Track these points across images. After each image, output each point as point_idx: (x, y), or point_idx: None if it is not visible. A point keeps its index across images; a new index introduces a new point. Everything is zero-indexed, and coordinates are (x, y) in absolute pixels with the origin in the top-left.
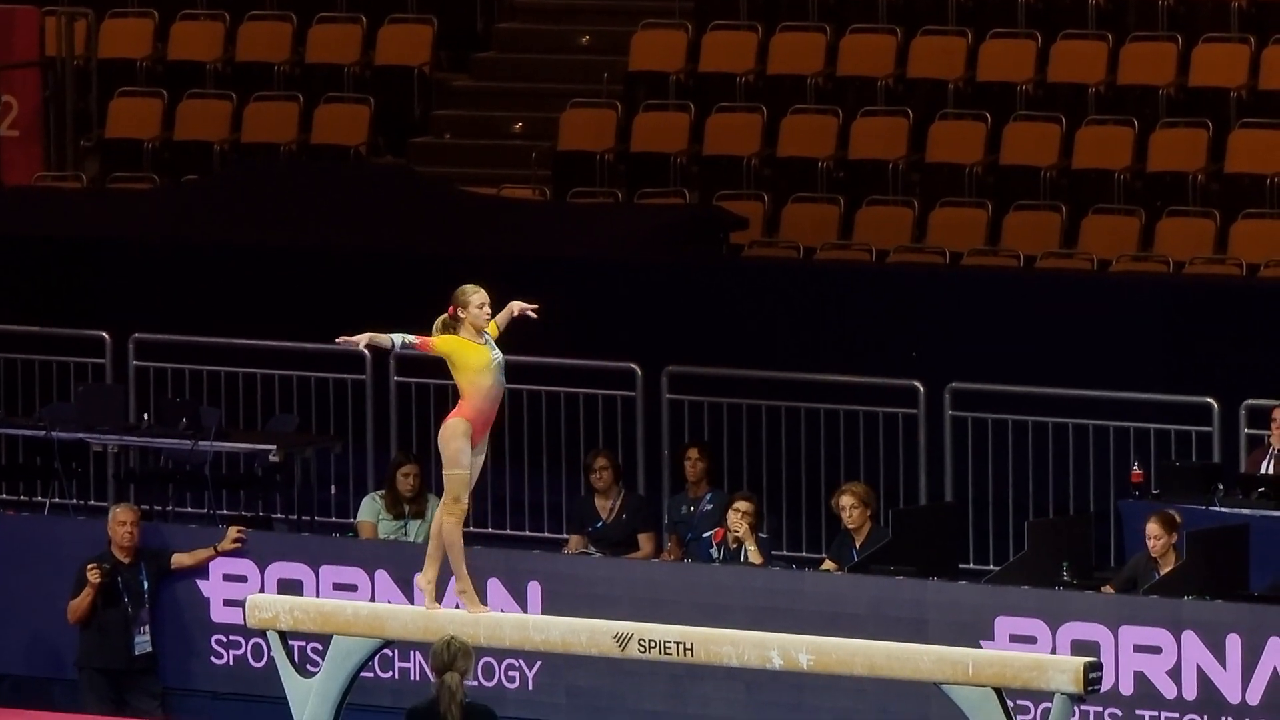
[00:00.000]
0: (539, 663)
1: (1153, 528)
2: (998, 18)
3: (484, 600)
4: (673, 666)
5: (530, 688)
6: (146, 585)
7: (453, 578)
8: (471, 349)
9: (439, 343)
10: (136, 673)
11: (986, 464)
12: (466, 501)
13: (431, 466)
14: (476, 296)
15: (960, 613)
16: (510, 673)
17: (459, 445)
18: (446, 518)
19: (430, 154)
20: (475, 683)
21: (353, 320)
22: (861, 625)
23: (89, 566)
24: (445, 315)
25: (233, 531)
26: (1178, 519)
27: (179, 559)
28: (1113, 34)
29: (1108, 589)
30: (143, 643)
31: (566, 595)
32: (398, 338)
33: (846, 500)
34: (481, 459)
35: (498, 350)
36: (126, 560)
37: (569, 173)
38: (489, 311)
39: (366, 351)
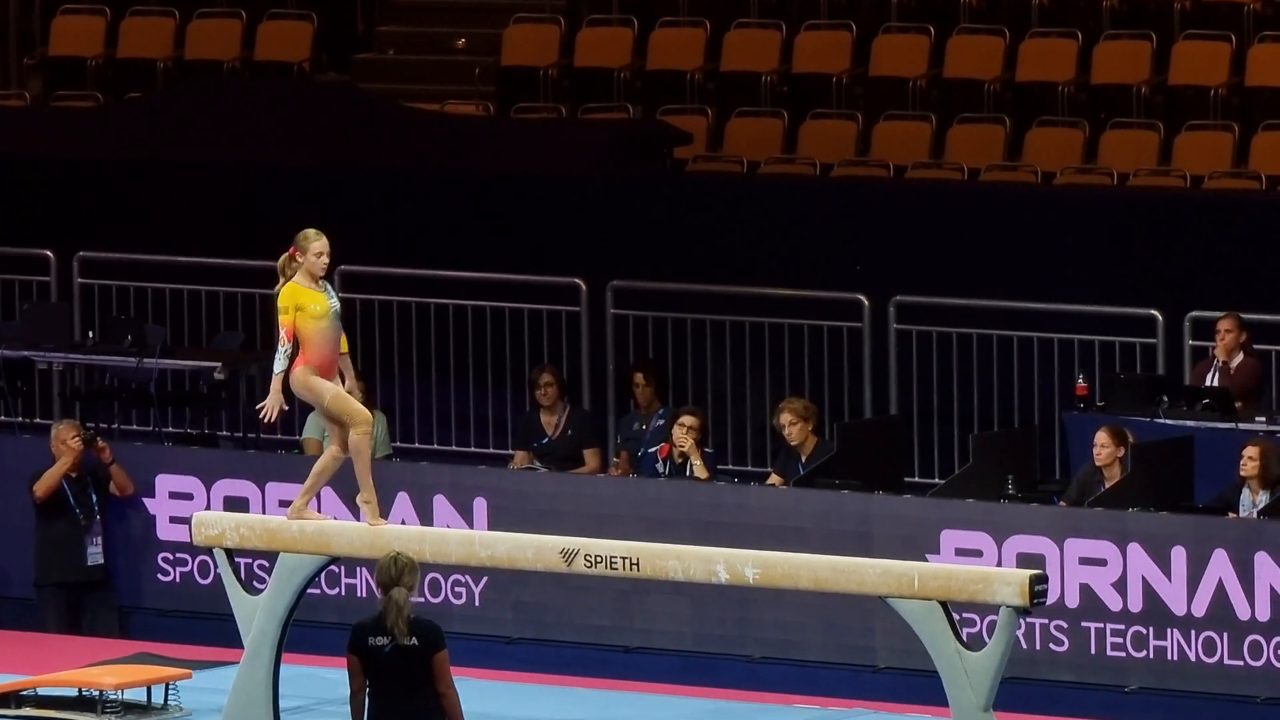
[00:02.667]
0: (485, 579)
1: (1102, 436)
2: None
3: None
4: (619, 581)
5: (477, 604)
6: (95, 498)
7: (360, 489)
8: (308, 296)
9: (282, 306)
10: (93, 585)
11: (931, 377)
12: (364, 407)
13: (377, 384)
14: (317, 244)
15: (905, 526)
16: (456, 589)
17: (312, 382)
18: (355, 430)
19: (373, 70)
20: (422, 599)
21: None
22: (807, 539)
23: (65, 428)
24: (286, 255)
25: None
26: (1130, 437)
27: (115, 482)
28: None
29: (1063, 504)
30: (95, 554)
31: (512, 511)
32: (278, 365)
33: (785, 418)
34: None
35: (335, 298)
36: (73, 474)
37: (512, 88)
38: (327, 260)
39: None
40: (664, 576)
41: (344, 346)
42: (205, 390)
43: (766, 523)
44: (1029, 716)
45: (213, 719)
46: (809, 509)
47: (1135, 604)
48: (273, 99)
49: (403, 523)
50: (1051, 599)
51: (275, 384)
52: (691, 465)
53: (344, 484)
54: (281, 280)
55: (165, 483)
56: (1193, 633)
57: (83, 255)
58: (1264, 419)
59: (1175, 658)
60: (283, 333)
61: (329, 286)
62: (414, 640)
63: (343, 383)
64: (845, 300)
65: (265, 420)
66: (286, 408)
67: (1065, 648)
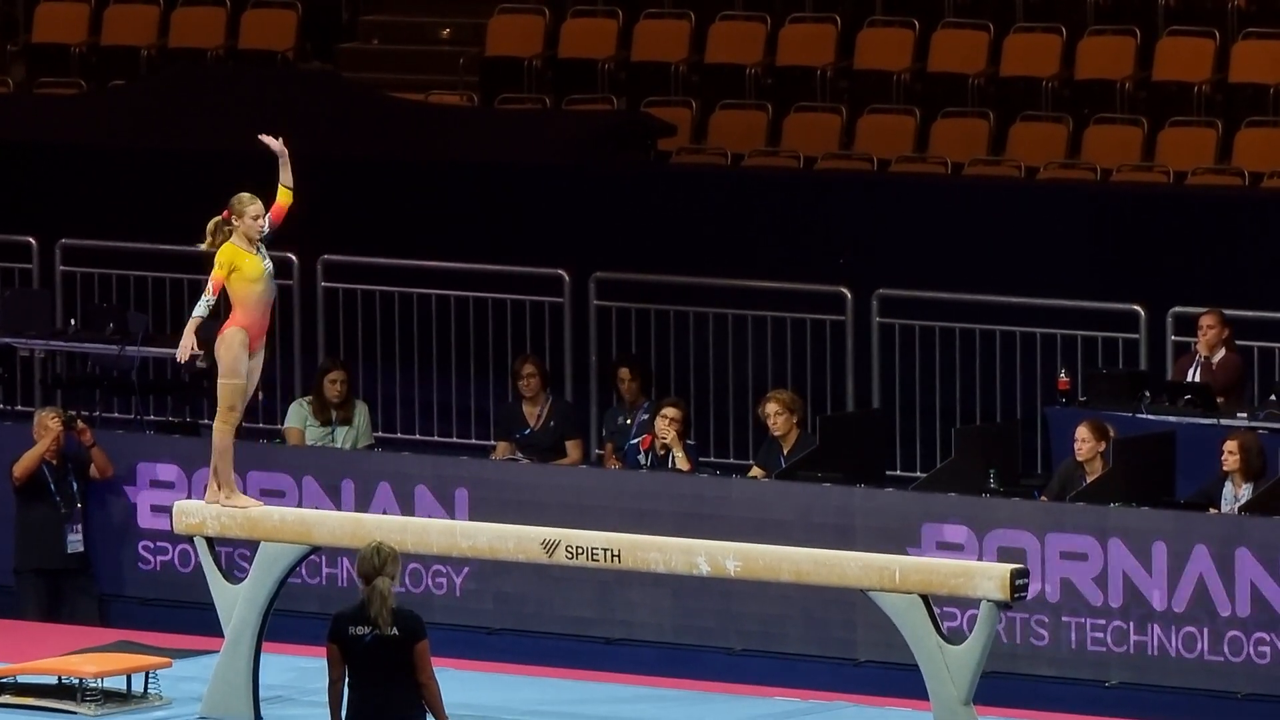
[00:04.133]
0: (466, 569)
1: (1082, 431)
2: None
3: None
4: (600, 573)
5: (458, 594)
6: (76, 486)
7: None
8: (246, 258)
9: (219, 262)
10: (72, 572)
11: (914, 370)
12: (241, 411)
13: (359, 373)
14: (253, 207)
15: (887, 519)
16: (438, 579)
17: (235, 354)
18: (220, 425)
19: (358, 59)
20: (403, 589)
21: (280, 225)
22: (788, 532)
23: (49, 415)
24: (219, 218)
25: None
26: (1111, 431)
27: (95, 464)
28: None
29: (1044, 499)
30: (75, 541)
31: (494, 501)
32: (198, 309)
33: (771, 408)
34: (260, 363)
35: (269, 260)
36: (54, 462)
37: (497, 78)
38: (263, 223)
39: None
40: (645, 568)
41: None
42: (187, 378)
43: (748, 515)
44: (1009, 711)
45: (193, 708)
46: (791, 502)
47: (1116, 599)
48: (256, 87)
49: (384, 513)
50: (1032, 593)
51: (190, 327)
52: (673, 457)
53: (323, 474)
54: (209, 240)
55: (146, 471)
56: (1173, 628)
57: (65, 242)
58: (1245, 415)
59: (1156, 653)
60: (211, 285)
61: (263, 249)
62: (395, 630)
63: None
64: (828, 293)
65: (180, 361)
66: (200, 352)
67: (1046, 642)
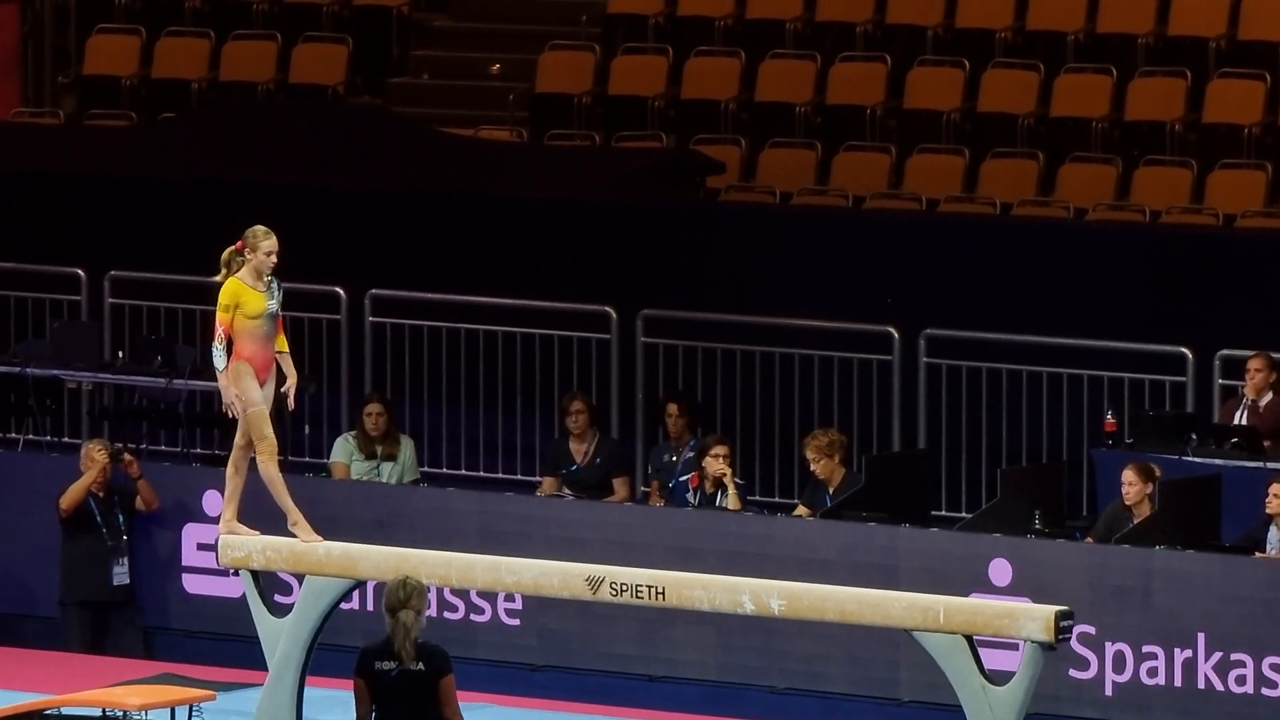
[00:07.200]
0: (511, 605)
1: (1128, 475)
2: None
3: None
4: (644, 610)
5: (502, 630)
6: (122, 519)
7: (283, 512)
8: (250, 295)
9: (223, 298)
10: (118, 605)
11: (960, 411)
12: (273, 435)
13: (405, 408)
14: (267, 243)
15: (932, 560)
16: (481, 615)
17: (246, 384)
18: (260, 456)
19: (408, 94)
20: (443, 618)
21: (328, 259)
22: (833, 571)
23: (96, 447)
24: (232, 248)
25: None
26: (1157, 471)
27: (142, 497)
28: None
29: (1088, 540)
30: (120, 574)
31: (539, 537)
32: (218, 363)
33: (808, 454)
34: (272, 393)
35: (275, 300)
36: (101, 494)
37: (546, 115)
38: (275, 260)
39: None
40: (690, 606)
41: (283, 345)
42: (233, 412)
43: (793, 554)
44: None
45: None
46: (835, 541)
47: (1160, 641)
48: (307, 121)
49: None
50: (1076, 635)
51: (222, 381)
52: (725, 493)
53: (376, 505)
54: (224, 272)
55: (192, 504)
56: (1218, 671)
57: (114, 274)
58: None
59: (1200, 696)
60: (220, 330)
61: (273, 285)
62: (420, 665)
63: (281, 382)
64: (876, 333)
65: (232, 416)
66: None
67: (1088, 684)
